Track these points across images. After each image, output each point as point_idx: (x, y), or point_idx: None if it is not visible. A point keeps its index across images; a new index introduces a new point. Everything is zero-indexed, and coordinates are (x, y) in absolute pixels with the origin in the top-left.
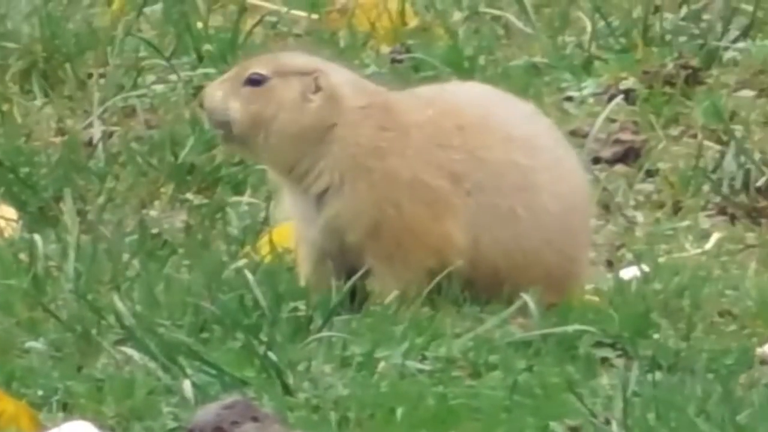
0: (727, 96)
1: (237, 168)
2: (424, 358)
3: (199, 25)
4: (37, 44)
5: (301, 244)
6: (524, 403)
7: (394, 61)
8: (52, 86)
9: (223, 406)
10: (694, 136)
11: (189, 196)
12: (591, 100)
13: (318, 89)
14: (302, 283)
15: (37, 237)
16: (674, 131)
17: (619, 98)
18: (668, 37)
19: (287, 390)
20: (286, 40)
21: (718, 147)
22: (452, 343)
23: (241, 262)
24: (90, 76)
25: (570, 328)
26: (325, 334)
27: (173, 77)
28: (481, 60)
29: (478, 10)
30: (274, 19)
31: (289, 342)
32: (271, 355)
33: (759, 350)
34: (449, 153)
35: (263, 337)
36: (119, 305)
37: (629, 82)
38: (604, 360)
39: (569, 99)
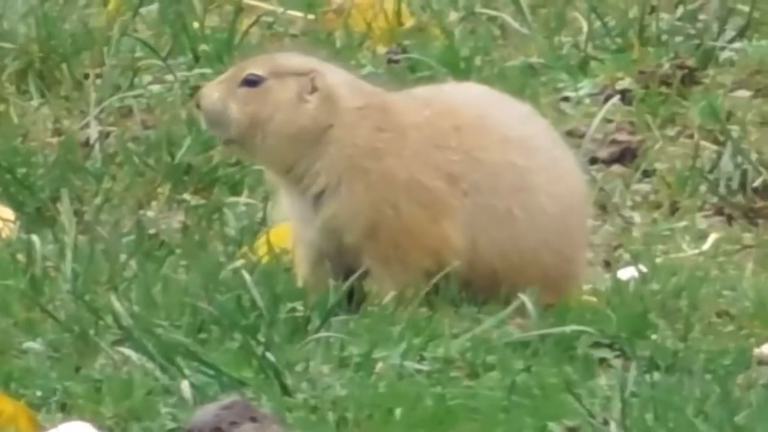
0: (724, 96)
1: (234, 168)
2: (422, 359)
3: (196, 25)
4: (34, 44)
5: (299, 244)
6: (522, 403)
7: (390, 61)
8: (49, 86)
9: (222, 407)
10: (691, 137)
11: (186, 196)
12: (587, 100)
13: (314, 90)
14: (300, 283)
15: (34, 237)
16: (671, 131)
17: (616, 98)
18: (664, 37)
19: (285, 390)
20: (282, 41)
21: (714, 147)
22: (450, 344)
23: (239, 263)
24: (86, 76)
25: (568, 329)
26: (323, 334)
27: (170, 77)
28: (478, 60)
29: (474, 10)
30: (270, 19)
31: (287, 342)
32: (269, 355)
33: (756, 351)
34: (446, 154)
35: (261, 338)
36: (117, 306)
37: (626, 83)
38: (602, 360)
39: (566, 99)
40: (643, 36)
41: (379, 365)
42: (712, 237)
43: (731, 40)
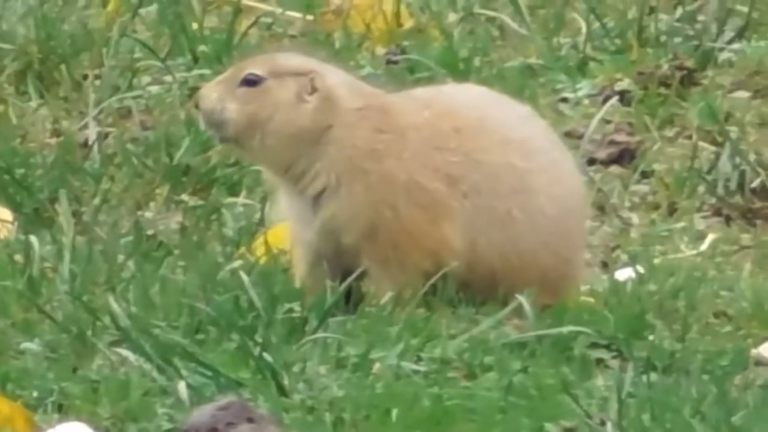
0: (722, 97)
1: (232, 169)
2: (419, 359)
3: (194, 26)
4: (33, 45)
5: (297, 245)
6: (519, 404)
7: (389, 62)
8: (48, 87)
9: (219, 408)
10: (689, 138)
11: (184, 197)
12: (586, 101)
13: (314, 90)
14: (297, 284)
15: (32, 238)
16: (669, 132)
17: (614, 99)
18: (663, 38)
19: (282, 391)
20: (281, 41)
21: (713, 148)
22: (447, 344)
23: (237, 264)
24: (85, 77)
25: (565, 330)
26: (320, 335)
27: (168, 78)
28: (476, 61)
29: (473, 11)
30: (269, 20)
31: (284, 343)
32: (267, 356)
33: (754, 351)
34: (446, 155)
35: (258, 339)
36: (114, 306)
37: (624, 84)
38: (600, 361)
39: (564, 100)
40: (642, 37)
41: (377, 366)
42: (710, 238)
43: (730, 41)
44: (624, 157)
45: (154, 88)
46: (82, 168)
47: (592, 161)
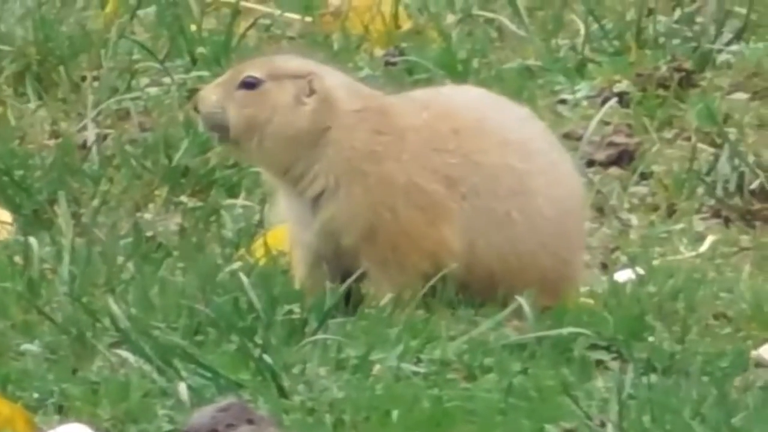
0: (721, 99)
1: (231, 171)
2: (419, 361)
3: (193, 27)
4: (31, 47)
5: (296, 247)
6: (519, 405)
7: (387, 63)
8: (46, 89)
9: (219, 409)
10: (688, 139)
11: (183, 198)
12: (585, 102)
13: (312, 92)
14: (297, 285)
15: (31, 240)
16: (668, 134)
17: (613, 101)
18: (662, 39)
19: (282, 393)
20: (279, 43)
21: (711, 150)
22: (447, 346)
23: (236, 265)
24: (84, 78)
25: (565, 331)
26: (320, 336)
27: (167, 80)
28: (475, 63)
29: (471, 12)
30: (267, 21)
31: (284, 345)
32: (266, 357)
33: (754, 353)
34: (444, 157)
35: (258, 340)
36: (114, 308)
37: (623, 85)
38: (599, 362)
39: (563, 102)
40: (641, 38)
41: (376, 367)
42: (710, 239)
43: (728, 43)
44: (623, 158)
45: (153, 90)
46: (81, 169)
47: (591, 163)
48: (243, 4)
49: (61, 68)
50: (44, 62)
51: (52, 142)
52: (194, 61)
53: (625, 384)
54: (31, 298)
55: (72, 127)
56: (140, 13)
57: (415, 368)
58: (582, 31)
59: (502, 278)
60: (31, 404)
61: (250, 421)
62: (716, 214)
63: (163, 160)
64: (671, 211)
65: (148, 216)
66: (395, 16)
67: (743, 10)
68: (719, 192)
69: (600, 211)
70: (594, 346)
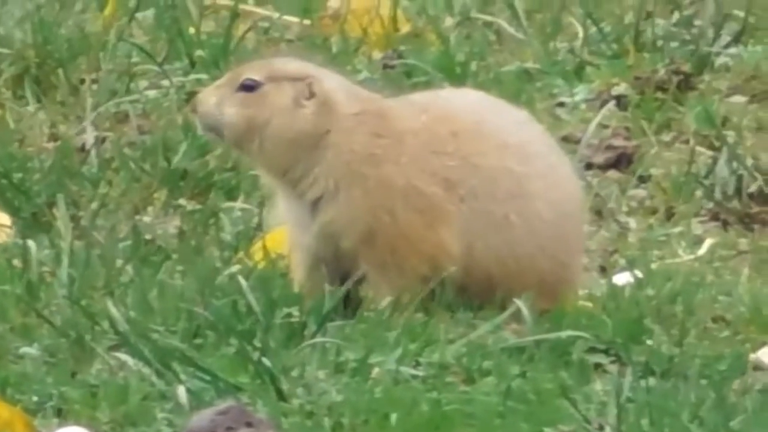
0: (719, 101)
1: (230, 173)
2: (417, 364)
3: (191, 30)
4: (30, 50)
5: (295, 249)
6: (518, 408)
7: (386, 66)
8: (45, 92)
9: (218, 412)
10: (687, 142)
11: (182, 201)
12: (583, 105)
13: (311, 95)
14: (296, 288)
15: (30, 243)
16: (666, 137)
17: (611, 104)
18: (660, 42)
19: (281, 396)
20: (278, 46)
21: (710, 153)
22: (446, 349)
23: (235, 268)
24: (82, 81)
25: (563, 334)
26: (318, 339)
27: (165, 83)
28: (473, 66)
29: (469, 15)
30: (266, 24)
31: (282, 348)
32: (265, 360)
33: (752, 356)
34: (443, 160)
35: (257, 343)
36: (113, 311)
37: (621, 88)
38: (598, 366)
39: (561, 105)
40: (639, 41)
41: (375, 370)
42: (708, 242)
43: (727, 46)
44: (621, 161)
45: (152, 93)
46: (80, 172)
47: (589, 166)
48: (242, 6)
49: (60, 71)
50: (43, 65)
51: (50, 145)
52: (193, 64)
53: (623, 387)
54: (30, 301)
55: (71, 129)
56: (139, 15)
57: (413, 371)
58: (580, 34)
59: (501, 281)
60: (31, 407)
61: (249, 425)
62: (715, 218)
63: (162, 163)
64: (670, 215)
65: (146, 219)
66: (394, 19)
67: (741, 13)
68: (718, 195)
69: (598, 214)
70: (592, 350)
